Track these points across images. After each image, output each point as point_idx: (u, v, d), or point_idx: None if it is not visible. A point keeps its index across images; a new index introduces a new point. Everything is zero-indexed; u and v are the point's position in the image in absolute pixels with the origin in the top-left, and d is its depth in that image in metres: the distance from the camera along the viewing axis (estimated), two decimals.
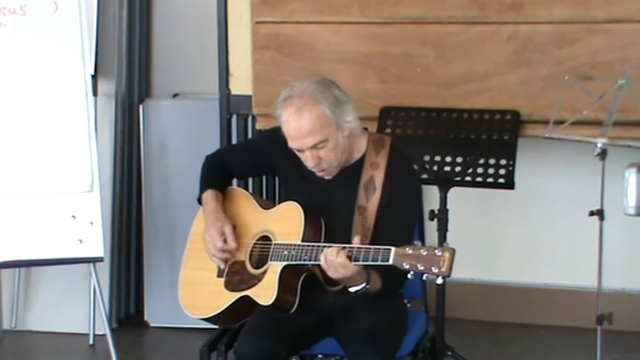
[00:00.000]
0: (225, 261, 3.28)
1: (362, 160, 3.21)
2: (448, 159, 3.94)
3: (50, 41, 4.25)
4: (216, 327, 3.61)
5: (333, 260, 2.96)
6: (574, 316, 4.73)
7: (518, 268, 4.94)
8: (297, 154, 3.14)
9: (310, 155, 3.09)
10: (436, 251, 2.84)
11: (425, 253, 2.85)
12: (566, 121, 3.67)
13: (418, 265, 2.85)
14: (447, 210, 3.93)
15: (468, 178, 3.90)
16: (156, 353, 4.76)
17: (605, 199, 3.71)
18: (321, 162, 3.11)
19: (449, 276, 2.83)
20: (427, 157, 3.96)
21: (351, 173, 3.20)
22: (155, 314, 4.94)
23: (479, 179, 3.89)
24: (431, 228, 3.88)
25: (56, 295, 4.83)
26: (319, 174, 3.17)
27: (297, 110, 3.05)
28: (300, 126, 3.05)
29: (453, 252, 2.83)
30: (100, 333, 4.59)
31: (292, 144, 3.11)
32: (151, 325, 4.94)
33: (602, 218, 3.72)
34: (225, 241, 3.24)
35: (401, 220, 3.17)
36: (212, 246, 3.25)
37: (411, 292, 3.40)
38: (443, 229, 3.92)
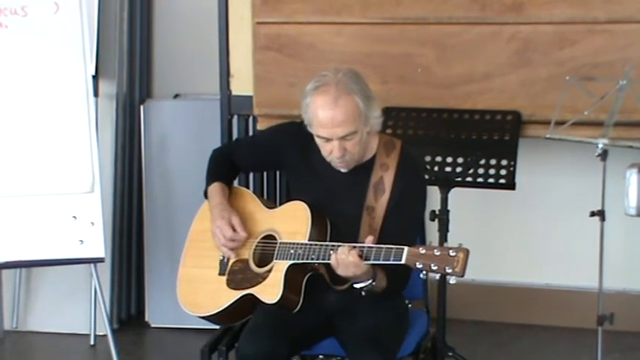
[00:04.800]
0: (233, 251, 3.27)
1: (372, 160, 3.22)
2: (449, 159, 3.94)
3: (51, 42, 4.25)
4: (216, 326, 3.62)
5: (345, 259, 2.96)
6: (575, 316, 4.73)
7: (519, 268, 4.94)
8: (321, 144, 3.14)
9: (338, 146, 3.09)
10: (450, 251, 2.85)
11: (438, 254, 2.86)
12: (567, 121, 3.68)
13: (432, 265, 2.86)
14: (448, 210, 3.93)
15: (469, 179, 3.91)
16: (157, 354, 4.76)
17: (606, 200, 3.72)
18: (345, 154, 3.11)
19: (462, 276, 2.83)
20: (428, 158, 3.96)
21: (360, 173, 3.20)
22: (156, 315, 4.94)
23: (480, 180, 3.89)
24: (432, 228, 3.88)
25: (57, 295, 4.83)
26: (339, 165, 3.17)
27: (333, 99, 3.05)
28: (335, 115, 3.05)
29: (467, 252, 2.84)
30: (101, 333, 4.59)
31: (321, 132, 3.10)
32: (152, 325, 4.94)
33: (603, 219, 3.73)
34: (234, 230, 3.24)
35: (407, 222, 3.18)
36: (222, 236, 3.24)
37: (412, 292, 3.40)
38: (444, 230, 3.93)
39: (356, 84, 3.10)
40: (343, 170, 3.20)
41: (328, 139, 3.10)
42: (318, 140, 3.14)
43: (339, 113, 3.05)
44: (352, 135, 3.08)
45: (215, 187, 3.36)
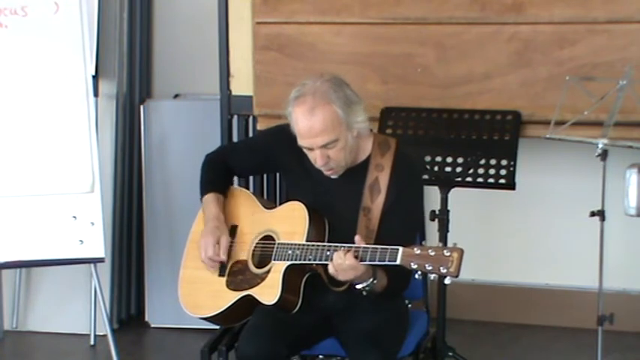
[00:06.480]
0: (222, 263, 3.28)
1: (367, 161, 3.22)
2: (449, 159, 3.94)
3: (51, 42, 4.25)
4: (217, 327, 3.62)
5: (342, 263, 2.96)
6: (575, 316, 4.73)
7: (519, 268, 4.94)
8: (306, 152, 3.15)
9: (320, 154, 3.10)
10: (444, 251, 2.84)
11: (433, 254, 2.85)
12: (567, 121, 3.68)
13: (426, 265, 2.85)
14: (448, 210, 3.93)
15: (469, 179, 3.91)
16: (157, 354, 4.76)
17: (606, 200, 3.72)
18: (329, 161, 3.12)
19: (457, 276, 2.83)
20: (428, 158, 3.96)
21: (356, 174, 3.20)
22: (156, 315, 4.94)
23: (480, 180, 3.90)
24: (432, 228, 3.88)
25: (57, 295, 4.83)
26: (327, 173, 3.17)
27: (309, 109, 3.05)
28: (312, 125, 3.05)
29: (461, 252, 2.83)
30: (101, 333, 4.59)
31: (302, 142, 3.11)
32: (152, 325, 4.94)
33: (603, 219, 3.72)
34: (216, 251, 3.25)
35: (404, 223, 3.18)
36: (204, 252, 3.27)
37: (412, 292, 3.39)
38: (444, 230, 3.93)
39: (335, 92, 3.08)
40: (333, 177, 3.20)
41: (309, 149, 3.11)
42: (303, 149, 3.15)
43: (317, 123, 3.05)
44: (333, 143, 3.08)
45: (211, 197, 3.35)
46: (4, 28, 4.23)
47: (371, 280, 3.03)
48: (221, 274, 3.30)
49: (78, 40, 4.28)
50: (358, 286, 3.05)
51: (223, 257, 3.27)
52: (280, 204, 3.34)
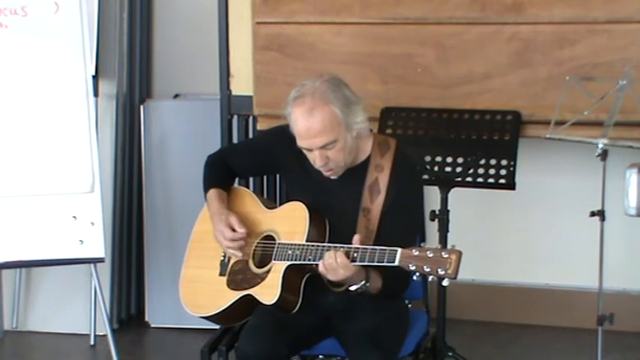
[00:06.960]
0: (239, 250, 3.27)
1: (367, 161, 3.21)
2: (449, 159, 3.94)
3: (51, 42, 4.25)
4: (217, 327, 3.62)
5: (332, 263, 2.96)
6: (575, 316, 4.73)
7: (519, 268, 4.94)
8: (305, 152, 3.15)
9: (319, 155, 3.10)
10: (443, 253, 2.84)
11: (431, 255, 2.85)
12: (567, 121, 3.68)
13: (424, 267, 2.85)
14: (448, 210, 3.93)
15: (469, 179, 3.91)
16: (157, 354, 4.76)
17: (606, 200, 3.72)
18: (328, 162, 3.11)
19: (455, 278, 2.83)
20: (428, 158, 3.96)
21: (356, 174, 3.20)
22: (156, 315, 4.94)
23: (480, 180, 3.90)
24: (432, 228, 3.88)
25: (57, 295, 4.83)
26: (326, 173, 3.17)
27: (308, 110, 3.05)
28: (310, 126, 3.05)
29: (459, 254, 2.83)
30: (101, 333, 4.60)
31: (301, 143, 3.11)
32: (152, 325, 4.94)
33: (603, 219, 3.73)
34: (233, 230, 3.24)
35: (404, 223, 3.17)
36: (223, 239, 3.25)
37: (412, 292, 3.40)
38: (444, 230, 3.93)
39: (334, 92, 3.08)
40: (333, 177, 3.20)
41: (308, 149, 3.11)
42: (302, 150, 3.15)
43: (316, 124, 3.05)
44: (332, 144, 3.08)
45: (213, 193, 3.36)
46: (4, 28, 4.24)
47: (363, 282, 3.03)
48: (222, 274, 3.30)
49: (78, 40, 4.28)
50: (351, 289, 3.05)
51: (242, 230, 3.24)
52: (281, 204, 3.35)
